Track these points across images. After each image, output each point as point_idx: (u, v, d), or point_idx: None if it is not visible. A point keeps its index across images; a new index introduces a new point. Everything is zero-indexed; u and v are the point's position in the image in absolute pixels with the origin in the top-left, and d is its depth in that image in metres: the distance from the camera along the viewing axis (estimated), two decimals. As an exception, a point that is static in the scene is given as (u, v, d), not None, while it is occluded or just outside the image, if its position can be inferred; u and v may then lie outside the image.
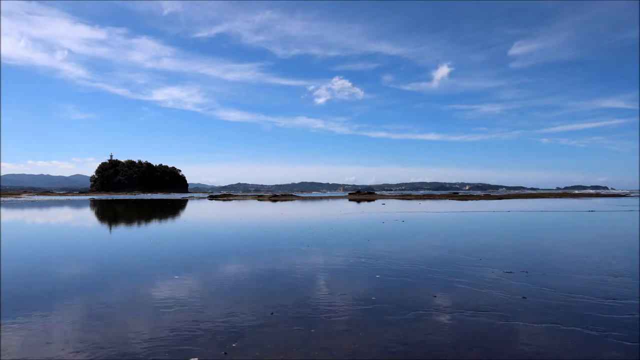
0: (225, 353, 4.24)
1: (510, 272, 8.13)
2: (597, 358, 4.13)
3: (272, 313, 5.55)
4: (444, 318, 5.36)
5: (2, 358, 4.17)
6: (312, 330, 4.89)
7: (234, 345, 4.45)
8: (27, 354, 4.25)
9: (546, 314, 5.49)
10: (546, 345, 4.45)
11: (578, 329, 4.91)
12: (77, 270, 8.57)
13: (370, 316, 5.44)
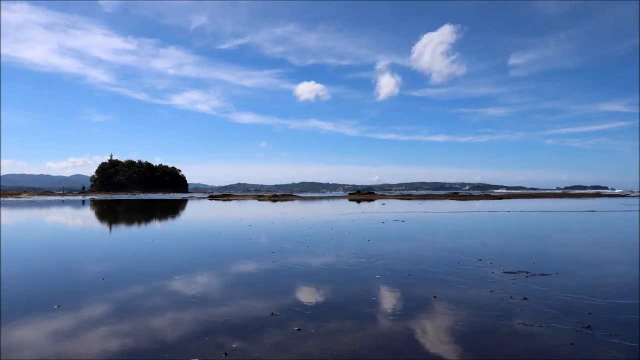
0: (226, 354, 4.24)
1: (511, 272, 8.13)
2: (597, 358, 4.13)
3: (272, 313, 5.55)
4: (444, 318, 5.36)
5: (5, 357, 4.18)
6: (312, 331, 4.89)
7: (234, 345, 4.45)
8: (30, 354, 4.26)
9: (546, 314, 5.49)
10: (546, 345, 4.45)
11: (578, 329, 4.91)
12: (74, 271, 8.56)
13: (370, 316, 5.44)
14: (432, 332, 4.87)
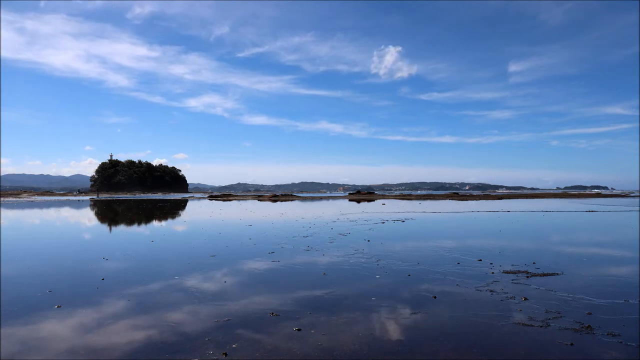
0: (225, 354, 4.24)
1: (511, 272, 8.13)
2: (597, 358, 4.14)
3: (272, 314, 5.55)
4: (444, 318, 5.36)
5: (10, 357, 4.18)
6: (312, 331, 4.89)
7: (234, 346, 4.46)
8: (30, 354, 4.27)
9: (546, 314, 5.50)
10: (546, 345, 4.45)
11: (578, 329, 4.92)
12: (74, 271, 8.56)
13: (370, 317, 5.44)
14: (432, 332, 4.87)
